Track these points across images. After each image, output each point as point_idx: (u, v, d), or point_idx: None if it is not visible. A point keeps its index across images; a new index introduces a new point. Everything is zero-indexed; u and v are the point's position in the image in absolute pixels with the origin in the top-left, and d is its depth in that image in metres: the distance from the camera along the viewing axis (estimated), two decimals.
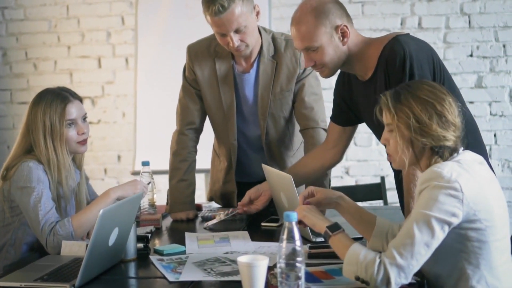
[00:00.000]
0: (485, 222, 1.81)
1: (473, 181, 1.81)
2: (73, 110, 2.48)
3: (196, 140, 3.02)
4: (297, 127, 3.01)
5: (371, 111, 2.45)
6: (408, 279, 1.75)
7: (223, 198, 3.11)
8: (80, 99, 2.56)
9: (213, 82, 2.90)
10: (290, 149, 3.04)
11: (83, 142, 2.53)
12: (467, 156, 1.89)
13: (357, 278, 1.77)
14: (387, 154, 2.03)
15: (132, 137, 4.61)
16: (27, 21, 5.04)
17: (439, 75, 2.28)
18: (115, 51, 4.97)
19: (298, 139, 3.05)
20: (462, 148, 1.92)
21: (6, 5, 5.05)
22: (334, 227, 1.90)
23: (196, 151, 3.02)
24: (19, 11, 5.05)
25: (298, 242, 1.67)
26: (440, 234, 1.75)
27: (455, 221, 1.77)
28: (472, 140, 2.05)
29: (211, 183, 3.20)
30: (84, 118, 2.54)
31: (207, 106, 2.96)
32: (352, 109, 2.59)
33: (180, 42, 4.27)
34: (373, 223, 2.10)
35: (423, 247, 1.74)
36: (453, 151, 1.88)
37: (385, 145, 2.03)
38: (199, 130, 3.02)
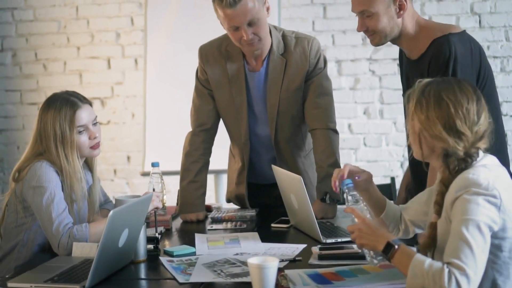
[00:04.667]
0: None
1: (505, 187, 1.78)
2: (83, 116, 2.47)
3: (210, 142, 3.00)
4: None
5: None
6: None
7: (238, 199, 3.10)
8: (90, 103, 2.53)
9: (224, 82, 2.89)
10: (302, 149, 3.00)
11: (96, 146, 2.52)
12: (489, 161, 1.85)
13: None
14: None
15: (141, 138, 4.61)
16: (36, 22, 5.05)
17: (483, 81, 2.32)
18: (125, 51, 4.97)
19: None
20: (482, 153, 1.86)
21: (16, 6, 5.06)
22: (389, 248, 1.78)
23: (209, 153, 3.01)
24: (28, 12, 5.05)
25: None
26: (489, 238, 1.71)
27: (496, 228, 1.73)
28: (498, 147, 2.04)
29: (228, 183, 3.19)
30: (95, 122, 2.53)
31: (219, 107, 2.95)
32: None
33: (190, 42, 4.28)
34: (382, 206, 2.15)
35: (481, 254, 1.68)
36: (462, 162, 1.82)
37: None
38: (212, 131, 3.00)
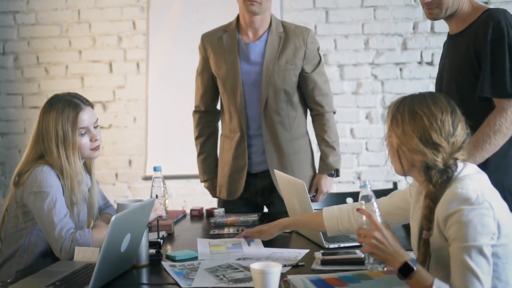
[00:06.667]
0: (511, 235, 1.78)
1: (491, 193, 1.79)
2: (85, 118, 2.47)
3: (210, 117, 3.32)
4: (298, 114, 3.16)
5: (453, 63, 2.56)
6: None
7: (232, 182, 3.17)
8: (92, 105, 2.54)
9: (221, 52, 3.14)
10: (287, 130, 3.13)
11: (96, 148, 2.52)
12: (470, 170, 1.86)
13: None
14: None
15: (143, 142, 4.61)
16: (38, 26, 5.06)
17: None
18: (126, 55, 4.97)
19: (298, 128, 3.17)
20: (462, 164, 1.86)
21: (18, 10, 5.06)
22: (406, 270, 1.76)
23: (211, 127, 3.33)
24: (30, 16, 5.06)
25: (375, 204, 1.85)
26: (490, 256, 1.73)
27: (495, 238, 1.74)
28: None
29: (220, 171, 3.27)
30: (96, 125, 2.53)
31: (220, 80, 3.17)
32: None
33: (191, 46, 4.28)
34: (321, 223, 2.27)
35: (487, 277, 1.71)
36: (443, 173, 1.83)
37: None
38: (208, 112, 3.31)
